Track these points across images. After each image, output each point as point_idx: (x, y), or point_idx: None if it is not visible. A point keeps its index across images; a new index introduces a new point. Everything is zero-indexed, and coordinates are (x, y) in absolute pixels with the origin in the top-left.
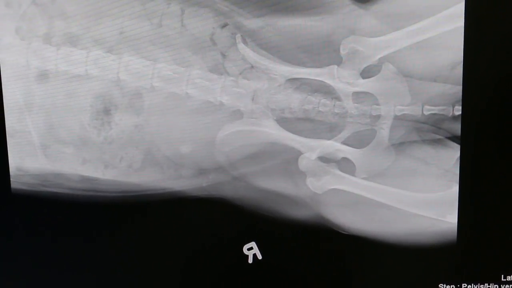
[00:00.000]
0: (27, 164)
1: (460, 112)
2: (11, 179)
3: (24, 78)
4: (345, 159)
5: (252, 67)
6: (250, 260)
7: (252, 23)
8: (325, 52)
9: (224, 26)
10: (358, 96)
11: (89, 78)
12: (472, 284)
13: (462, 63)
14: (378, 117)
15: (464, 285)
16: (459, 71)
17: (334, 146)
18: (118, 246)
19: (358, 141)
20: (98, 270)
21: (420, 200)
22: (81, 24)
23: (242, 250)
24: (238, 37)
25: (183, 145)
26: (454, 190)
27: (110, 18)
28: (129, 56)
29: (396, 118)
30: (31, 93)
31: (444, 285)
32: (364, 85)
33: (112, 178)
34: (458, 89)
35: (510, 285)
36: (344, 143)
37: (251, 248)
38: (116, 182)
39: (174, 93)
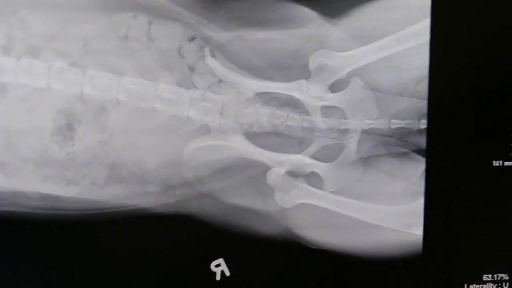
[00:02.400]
0: None
1: (425, 126)
2: None
3: None
4: (313, 173)
5: (221, 81)
6: (218, 277)
7: (221, 36)
8: (294, 66)
9: (192, 39)
10: (327, 110)
11: (51, 91)
12: None
13: (427, 78)
14: (346, 131)
15: None
16: (424, 85)
17: (303, 161)
18: (81, 266)
19: (326, 155)
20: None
21: (387, 213)
22: (43, 35)
23: (210, 267)
24: (207, 51)
25: (149, 161)
26: (420, 202)
27: (74, 29)
28: (94, 69)
29: (364, 132)
30: None
31: None
32: (333, 99)
33: (74, 196)
34: (424, 103)
35: None
36: (312, 157)
37: (219, 265)
38: (79, 200)
39: (140, 107)
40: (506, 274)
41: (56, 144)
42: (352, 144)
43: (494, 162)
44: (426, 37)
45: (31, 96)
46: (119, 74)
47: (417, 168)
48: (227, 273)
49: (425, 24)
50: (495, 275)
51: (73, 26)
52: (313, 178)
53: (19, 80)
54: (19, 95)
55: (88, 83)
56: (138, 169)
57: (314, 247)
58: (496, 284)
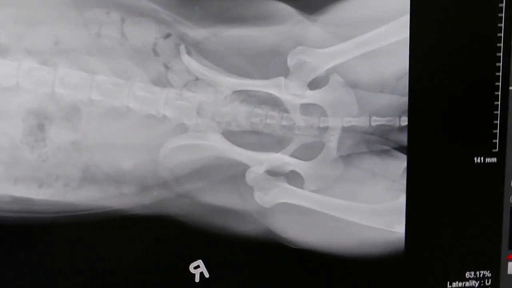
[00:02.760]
0: None
1: (406, 123)
2: None
3: None
4: (293, 172)
5: (197, 79)
6: (197, 279)
7: (197, 33)
8: (272, 63)
9: (167, 36)
10: (306, 108)
11: (21, 91)
12: None
13: (407, 74)
14: (326, 129)
15: None
16: (405, 82)
17: (282, 159)
18: (56, 269)
19: (306, 153)
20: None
21: (368, 211)
22: (11, 33)
23: (189, 269)
24: (182, 48)
25: (124, 162)
26: (401, 200)
27: (44, 26)
28: (65, 68)
29: (344, 129)
30: None
31: None
32: (312, 96)
33: (47, 198)
34: (404, 100)
35: None
36: (292, 155)
37: (197, 267)
38: (51, 202)
39: (114, 106)
40: (488, 271)
41: (27, 145)
42: (332, 142)
43: (475, 158)
44: (406, 33)
45: (0, 96)
46: (92, 73)
47: (399, 166)
48: (206, 275)
49: (405, 20)
50: (477, 272)
51: (43, 24)
52: (293, 177)
53: None
54: None
55: (60, 82)
56: (113, 170)
57: (295, 247)
58: (478, 281)
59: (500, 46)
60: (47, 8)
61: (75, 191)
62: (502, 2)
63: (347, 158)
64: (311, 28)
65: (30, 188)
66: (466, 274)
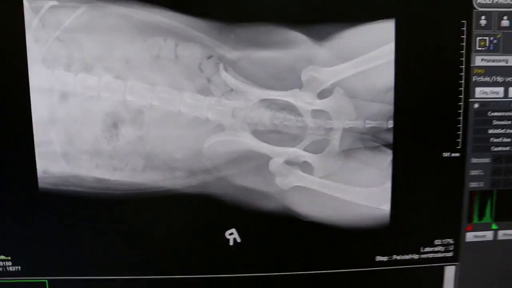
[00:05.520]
0: (51, 168)
1: (392, 125)
2: (38, 180)
3: (49, 99)
4: (305, 162)
5: (232, 90)
6: (231, 243)
7: (232, 55)
8: (289, 78)
9: (209, 57)
10: (315, 113)
11: (101, 99)
12: (400, 255)
13: (393, 88)
14: (331, 129)
15: (395, 256)
16: (391, 94)
17: (297, 152)
18: (124, 233)
19: (316, 148)
20: (107, 251)
21: (363, 193)
22: (94, 56)
23: (225, 235)
24: (221, 66)
25: (176, 152)
26: (387, 185)
27: (118, 50)
28: (133, 81)
29: (345, 130)
30: (54, 111)
31: (380, 257)
32: (320, 104)
33: (119, 179)
34: (391, 107)
35: (426, 254)
36: (305, 149)
37: (232, 233)
38: (122, 182)
39: (169, 110)
40: (451, 239)
41: (104, 139)
42: (335, 139)
43: (444, 153)
44: (391, 56)
45: (86, 102)
46: (153, 85)
47: (386, 158)
48: (239, 240)
49: (391, 46)
50: (444, 240)
51: (118, 48)
52: (305, 166)
53: (77, 90)
54: (77, 101)
55: (129, 92)
56: (168, 159)
57: (306, 220)
58: (444, 247)
59: (462, 68)
60: (120, 36)
61: (140, 174)
62: (464, 34)
63: (346, 152)
64: (320, 51)
65: (107, 171)
66: (435, 242)
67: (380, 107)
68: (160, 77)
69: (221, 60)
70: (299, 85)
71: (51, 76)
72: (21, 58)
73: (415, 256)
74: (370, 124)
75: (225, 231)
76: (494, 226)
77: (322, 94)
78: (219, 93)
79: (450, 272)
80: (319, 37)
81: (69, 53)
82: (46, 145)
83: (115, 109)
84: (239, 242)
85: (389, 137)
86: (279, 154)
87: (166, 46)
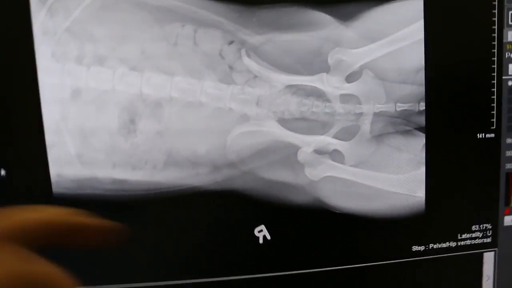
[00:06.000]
0: (66, 170)
1: (424, 108)
2: (52, 184)
3: (60, 95)
4: (335, 150)
5: (256, 77)
6: (261, 241)
7: (255, 39)
8: (315, 62)
9: (231, 43)
10: (344, 97)
11: (116, 92)
12: (437, 244)
13: (424, 68)
14: (360, 114)
15: (432, 245)
16: (422, 74)
17: (326, 140)
18: (147, 237)
19: (346, 135)
20: (128, 257)
21: (396, 180)
22: (107, 46)
23: (254, 233)
24: (243, 52)
25: (199, 147)
26: (421, 170)
27: (133, 40)
28: (150, 72)
29: (375, 114)
30: (66, 108)
31: (417, 247)
32: (349, 88)
33: (139, 179)
34: (422, 89)
35: (464, 241)
36: (334, 137)
37: (261, 231)
38: (142, 182)
39: (190, 102)
40: (490, 224)
41: (121, 136)
42: (366, 125)
43: (478, 135)
44: (421, 35)
45: (100, 97)
46: (171, 75)
47: (419, 143)
48: (268, 237)
49: (420, 24)
50: (481, 225)
51: (132, 37)
52: (335, 155)
53: (90, 85)
54: (90, 97)
55: (146, 84)
56: (190, 154)
57: (338, 212)
58: (481, 233)
59: (495, 44)
60: (134, 25)
61: (161, 172)
62: (495, 9)
63: (378, 137)
64: (346, 32)
65: (125, 171)
66: (472, 227)
67: (411, 88)
68: (178, 67)
69: (243, 46)
70: (326, 69)
71: (61, 71)
72: (29, 52)
73: (453, 244)
74: (401, 107)
75: (254, 229)
76: None
77: (350, 78)
78: (242, 81)
79: (489, 258)
80: (345, 17)
81: (80, 45)
82: (59, 146)
83: (132, 103)
84: (269, 240)
85: (421, 120)
86: (307, 143)
87: (184, 33)
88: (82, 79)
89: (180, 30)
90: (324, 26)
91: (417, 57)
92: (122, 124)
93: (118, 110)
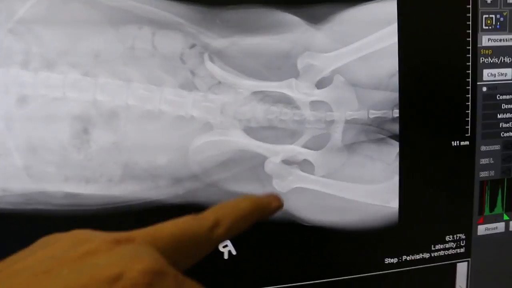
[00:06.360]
0: (12, 184)
1: (398, 115)
2: None
3: (4, 103)
4: (305, 160)
5: (220, 82)
6: (226, 256)
7: (218, 43)
8: (284, 67)
9: (192, 46)
10: (314, 104)
11: (67, 100)
12: (410, 255)
13: (397, 73)
14: (332, 122)
15: (405, 257)
16: (395, 79)
17: (295, 150)
18: None
19: (316, 144)
20: None
21: (368, 191)
22: (57, 50)
23: (218, 248)
24: (206, 56)
25: (159, 158)
26: (395, 180)
27: (85, 43)
28: (105, 78)
29: (347, 122)
30: (11, 117)
31: (390, 259)
32: (319, 94)
33: (94, 193)
34: (396, 95)
35: (437, 252)
36: (304, 146)
37: (226, 246)
38: (97, 196)
39: (148, 110)
40: (463, 234)
41: (74, 147)
42: (337, 133)
43: (452, 142)
44: (394, 38)
45: (49, 105)
46: (127, 81)
47: (392, 151)
48: (234, 252)
49: (393, 28)
50: (455, 235)
51: (84, 40)
52: (305, 165)
53: (38, 92)
54: (38, 104)
55: (100, 91)
56: (149, 166)
57: (308, 225)
58: (455, 243)
59: (469, 49)
60: (87, 26)
61: (118, 186)
62: (469, 12)
63: (350, 146)
64: (316, 35)
65: (79, 184)
66: (446, 238)
67: (384, 95)
68: (135, 72)
69: (206, 49)
70: (295, 74)
71: (5, 76)
72: None
73: (426, 255)
74: (374, 114)
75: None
76: (505, 217)
77: (321, 83)
78: (205, 87)
79: (462, 268)
80: (316, 19)
81: (26, 48)
82: (4, 158)
83: (85, 111)
84: (234, 255)
85: (395, 128)
86: (275, 152)
87: (142, 35)
88: (29, 86)
89: (137, 32)
90: (293, 29)
91: (390, 61)
92: (75, 134)
93: (70, 119)
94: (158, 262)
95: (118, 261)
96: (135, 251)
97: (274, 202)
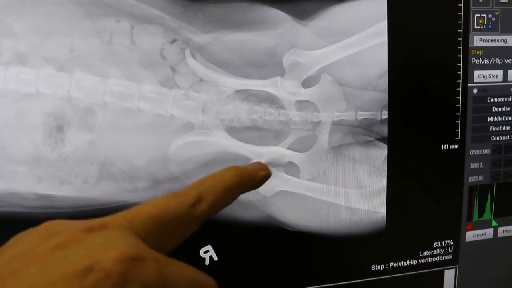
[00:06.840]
0: None
1: (386, 116)
2: None
3: None
4: (290, 163)
5: (202, 80)
6: (207, 262)
7: (201, 38)
8: (269, 64)
9: (173, 41)
10: (300, 104)
11: (40, 96)
12: (397, 262)
13: (387, 73)
14: (318, 123)
15: (392, 263)
16: (384, 80)
17: (280, 152)
18: None
19: (302, 145)
20: None
21: (355, 195)
22: (29, 43)
23: (199, 254)
24: (187, 52)
25: (137, 158)
26: (383, 184)
27: (60, 36)
28: (80, 73)
29: (334, 123)
30: None
31: (376, 266)
32: (305, 94)
33: (68, 194)
34: (385, 95)
35: (425, 259)
36: (289, 148)
37: (207, 251)
38: (72, 198)
39: (126, 108)
40: (451, 240)
41: (47, 146)
42: (324, 135)
43: (442, 146)
44: (384, 37)
45: (21, 101)
46: (104, 77)
47: (380, 154)
48: (215, 258)
49: (383, 26)
50: (443, 242)
51: (59, 34)
52: (290, 167)
53: (8, 87)
54: (9, 101)
55: (76, 87)
56: (127, 167)
57: (293, 230)
58: (443, 249)
59: (460, 49)
60: (62, 18)
61: (94, 187)
62: (461, 11)
63: (337, 148)
64: (303, 32)
65: (52, 186)
66: (434, 244)
67: (372, 95)
68: (113, 68)
69: (187, 45)
70: (281, 72)
71: None
72: None
73: (413, 262)
74: (362, 115)
75: (199, 249)
76: (494, 223)
77: (307, 82)
78: (186, 85)
79: (450, 275)
80: (302, 15)
81: None
82: None
83: (59, 108)
84: (215, 261)
85: (384, 130)
86: (259, 154)
87: (120, 29)
88: None
89: (115, 26)
90: (279, 25)
91: (379, 61)
92: (48, 133)
93: (43, 116)
94: (133, 247)
95: (90, 252)
96: (108, 238)
97: (260, 171)
